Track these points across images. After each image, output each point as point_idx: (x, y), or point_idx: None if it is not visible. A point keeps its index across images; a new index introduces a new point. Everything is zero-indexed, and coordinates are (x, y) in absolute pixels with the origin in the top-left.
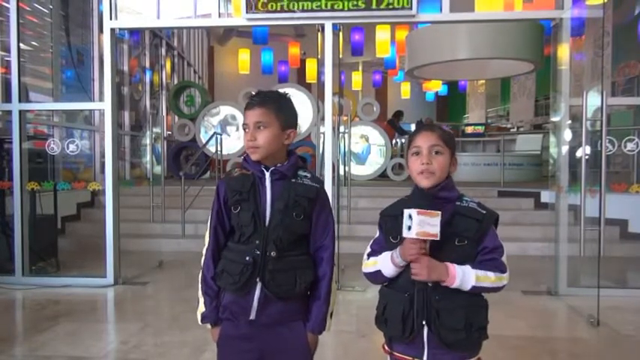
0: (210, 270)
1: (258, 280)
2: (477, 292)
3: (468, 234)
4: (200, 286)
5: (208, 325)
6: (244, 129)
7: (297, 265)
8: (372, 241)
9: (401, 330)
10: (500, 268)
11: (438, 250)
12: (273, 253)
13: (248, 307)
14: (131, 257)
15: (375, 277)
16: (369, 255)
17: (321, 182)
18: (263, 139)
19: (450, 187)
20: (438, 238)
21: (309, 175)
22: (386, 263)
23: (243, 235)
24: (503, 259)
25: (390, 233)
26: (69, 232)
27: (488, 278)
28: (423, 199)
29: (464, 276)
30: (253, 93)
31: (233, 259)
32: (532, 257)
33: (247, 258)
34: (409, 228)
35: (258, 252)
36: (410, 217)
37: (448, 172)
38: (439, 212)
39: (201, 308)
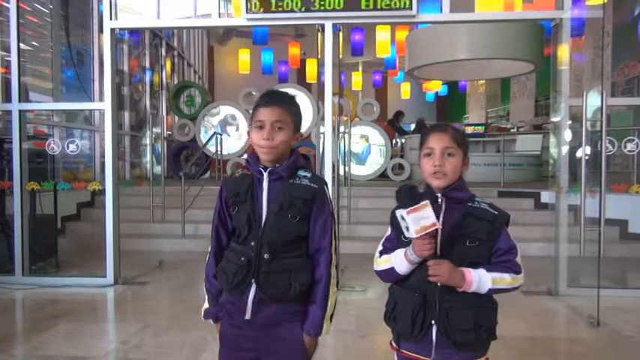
0: (212, 269)
1: (252, 281)
2: (492, 294)
3: (480, 235)
4: (204, 283)
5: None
6: (258, 126)
7: (292, 267)
8: (383, 238)
9: (410, 328)
10: (514, 270)
11: (450, 251)
12: (266, 255)
13: (243, 307)
14: (131, 257)
15: (388, 274)
16: (382, 253)
17: (322, 182)
18: (279, 140)
19: (461, 187)
20: (440, 226)
21: (309, 174)
22: (400, 260)
23: (240, 236)
24: (518, 259)
25: (401, 232)
26: (69, 232)
27: (504, 280)
28: (408, 197)
29: (480, 281)
30: (266, 91)
31: (230, 260)
32: (532, 257)
33: (242, 259)
34: (407, 229)
35: (252, 253)
36: (403, 218)
37: (460, 172)
38: (427, 202)
39: (205, 305)
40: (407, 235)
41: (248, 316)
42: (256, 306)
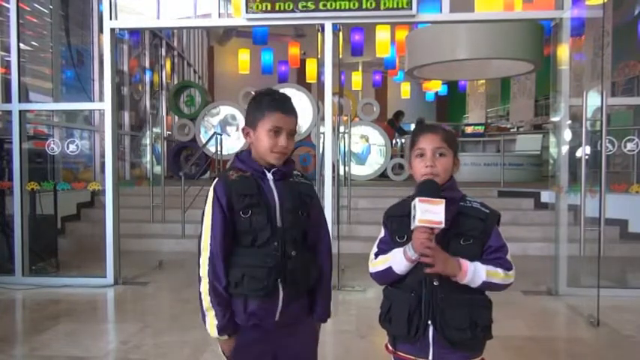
0: (221, 280)
1: (279, 281)
2: (485, 289)
3: (474, 233)
4: (208, 298)
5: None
6: (274, 131)
7: (308, 261)
8: (377, 240)
9: (406, 329)
10: (506, 266)
11: (444, 249)
12: (293, 253)
13: (274, 309)
14: (131, 257)
15: (385, 275)
16: (377, 254)
17: (311, 179)
18: (291, 147)
19: (453, 187)
20: (443, 226)
21: (299, 173)
22: (398, 259)
23: (257, 238)
24: (508, 257)
25: (396, 233)
26: (69, 232)
27: (498, 274)
28: (429, 191)
29: (475, 272)
30: (276, 94)
31: (253, 265)
32: (532, 257)
33: (268, 261)
34: (414, 218)
35: (277, 254)
36: (414, 207)
37: (451, 172)
38: (442, 200)
39: (214, 321)
40: (412, 225)
41: (277, 317)
42: (284, 305)
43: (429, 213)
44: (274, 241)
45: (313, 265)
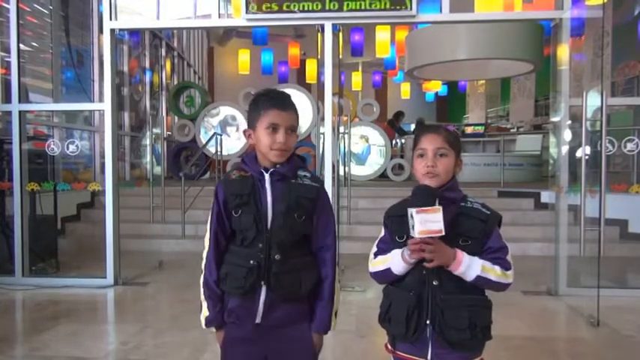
0: (212, 274)
1: (262, 283)
2: (481, 286)
3: (473, 234)
4: (202, 290)
5: (213, 329)
6: (271, 128)
7: (301, 266)
8: (377, 240)
9: (405, 329)
10: (505, 266)
11: None
12: (277, 256)
13: (254, 310)
14: (131, 257)
15: (384, 275)
16: (376, 254)
17: (321, 182)
18: (292, 144)
19: (454, 187)
20: (444, 233)
21: (308, 174)
22: (397, 261)
23: (245, 238)
24: (508, 258)
25: (396, 233)
26: (69, 233)
27: (494, 271)
28: (424, 197)
29: (470, 264)
30: (272, 91)
31: (237, 263)
32: (532, 257)
33: (251, 262)
34: (413, 227)
35: (261, 255)
36: (412, 216)
37: (453, 173)
38: (439, 207)
39: (205, 312)
40: (412, 234)
41: (258, 319)
42: (267, 308)
43: (428, 223)
44: (259, 243)
45: (308, 271)
